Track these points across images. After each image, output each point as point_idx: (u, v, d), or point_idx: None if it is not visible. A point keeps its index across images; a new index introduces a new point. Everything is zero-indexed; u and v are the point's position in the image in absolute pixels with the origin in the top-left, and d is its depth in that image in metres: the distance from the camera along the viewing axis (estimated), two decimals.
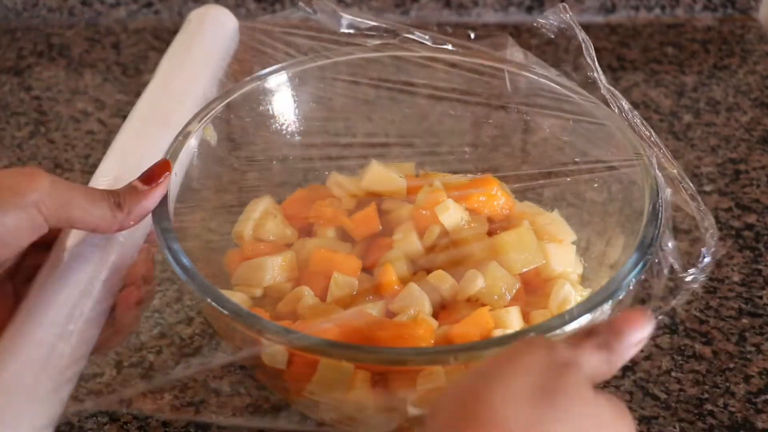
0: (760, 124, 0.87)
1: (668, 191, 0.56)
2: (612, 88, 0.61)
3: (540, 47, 0.67)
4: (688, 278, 0.53)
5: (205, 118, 0.62)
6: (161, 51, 0.99)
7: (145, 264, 0.52)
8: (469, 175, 0.67)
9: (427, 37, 0.66)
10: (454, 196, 0.61)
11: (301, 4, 0.69)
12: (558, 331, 0.47)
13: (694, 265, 0.54)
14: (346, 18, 0.67)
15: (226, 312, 0.48)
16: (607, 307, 0.49)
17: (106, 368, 0.61)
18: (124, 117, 0.90)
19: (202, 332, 0.64)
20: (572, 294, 0.56)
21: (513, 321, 0.54)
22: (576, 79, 0.64)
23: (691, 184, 0.57)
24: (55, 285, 0.48)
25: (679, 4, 1.05)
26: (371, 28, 0.67)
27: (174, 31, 1.05)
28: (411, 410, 0.50)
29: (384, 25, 0.67)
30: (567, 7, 0.64)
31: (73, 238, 0.50)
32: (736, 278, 0.69)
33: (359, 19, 0.67)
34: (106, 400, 0.59)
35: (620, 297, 0.49)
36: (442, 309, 0.57)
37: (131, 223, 0.50)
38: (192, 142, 0.61)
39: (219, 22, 0.69)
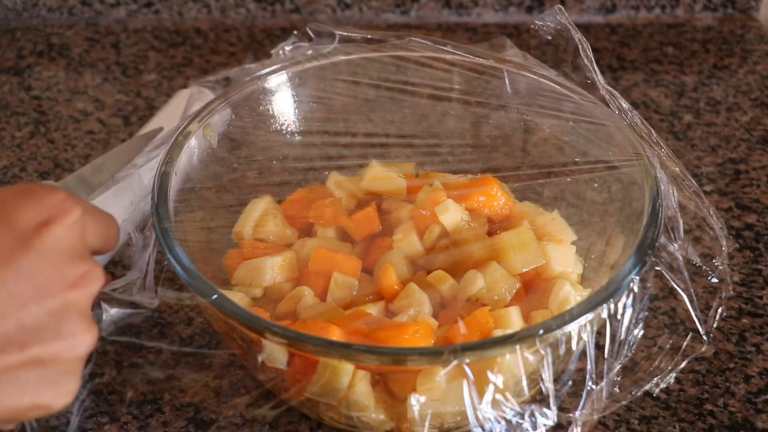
0: (760, 124, 0.87)
1: (674, 190, 0.56)
2: (610, 89, 0.61)
3: (539, 47, 0.67)
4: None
5: (205, 118, 0.62)
6: (161, 51, 1.00)
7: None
8: (469, 175, 0.67)
9: (426, 42, 0.66)
10: (454, 196, 0.61)
11: (295, 32, 0.70)
12: (558, 332, 0.47)
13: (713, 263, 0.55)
14: (342, 35, 0.68)
15: (226, 312, 0.48)
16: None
17: (106, 368, 0.61)
18: (124, 117, 0.91)
19: (202, 332, 0.64)
20: (572, 294, 0.56)
21: (513, 321, 0.54)
22: (575, 80, 0.64)
23: (693, 182, 0.57)
24: None
25: (679, 4, 1.05)
26: (368, 41, 0.68)
27: (174, 31, 1.05)
28: (411, 410, 0.50)
29: (380, 38, 0.68)
30: (563, 9, 0.64)
31: None
32: (736, 278, 0.69)
33: (354, 35, 0.68)
34: None
35: (620, 297, 0.49)
36: (442, 309, 0.57)
37: None
38: (192, 142, 0.61)
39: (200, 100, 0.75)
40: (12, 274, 0.39)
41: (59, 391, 0.41)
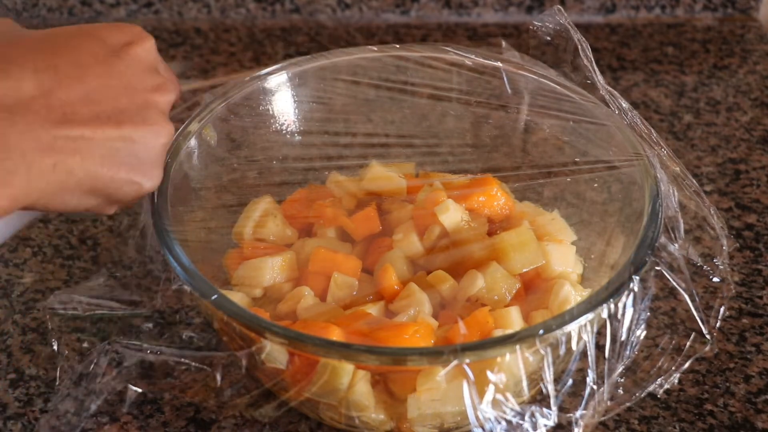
0: (760, 124, 0.87)
1: (674, 190, 0.56)
2: (610, 89, 0.61)
3: (539, 48, 0.67)
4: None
5: (205, 118, 0.62)
6: (161, 51, 0.99)
7: None
8: (469, 175, 0.67)
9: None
10: (454, 196, 0.61)
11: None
12: (558, 332, 0.47)
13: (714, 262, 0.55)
14: None
15: (226, 312, 0.48)
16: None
17: (106, 368, 0.60)
18: None
19: (202, 332, 0.64)
20: (572, 294, 0.56)
21: (513, 321, 0.54)
22: (575, 80, 0.64)
23: (694, 181, 0.57)
24: None
25: (679, 4, 1.05)
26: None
27: (174, 31, 1.05)
28: (411, 410, 0.50)
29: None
30: (562, 9, 0.64)
31: None
32: (736, 278, 0.69)
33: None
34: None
35: (620, 297, 0.49)
36: (442, 309, 0.57)
37: None
38: (192, 142, 0.61)
39: None
40: (106, 71, 0.49)
41: (149, 173, 0.51)
